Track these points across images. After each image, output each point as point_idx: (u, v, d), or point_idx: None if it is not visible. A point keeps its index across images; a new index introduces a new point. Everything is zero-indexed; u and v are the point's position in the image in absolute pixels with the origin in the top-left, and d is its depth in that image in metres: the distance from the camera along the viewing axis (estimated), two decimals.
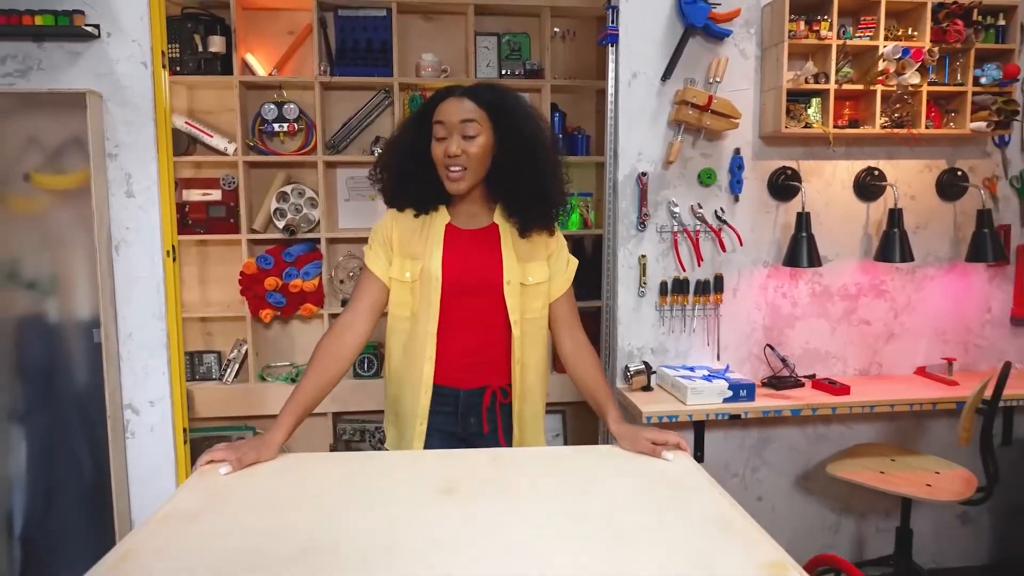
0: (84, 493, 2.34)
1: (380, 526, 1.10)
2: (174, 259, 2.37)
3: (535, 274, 1.59)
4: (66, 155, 2.27)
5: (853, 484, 2.30)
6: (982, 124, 2.41)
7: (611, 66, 2.46)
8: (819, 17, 2.35)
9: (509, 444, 1.63)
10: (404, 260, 1.58)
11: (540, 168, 1.53)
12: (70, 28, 2.14)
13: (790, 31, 2.32)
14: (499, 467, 1.35)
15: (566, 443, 3.63)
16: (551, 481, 1.26)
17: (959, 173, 2.59)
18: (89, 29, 2.17)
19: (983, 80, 2.42)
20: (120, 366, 2.32)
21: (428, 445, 1.58)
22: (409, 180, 1.57)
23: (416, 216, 1.60)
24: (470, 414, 1.60)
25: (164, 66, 2.31)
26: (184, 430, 2.41)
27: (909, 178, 2.60)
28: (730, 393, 2.30)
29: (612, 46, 2.45)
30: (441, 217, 1.60)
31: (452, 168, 1.50)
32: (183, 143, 3.14)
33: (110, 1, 2.20)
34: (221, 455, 1.35)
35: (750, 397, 2.32)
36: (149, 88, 2.26)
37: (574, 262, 1.69)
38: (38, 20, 2.12)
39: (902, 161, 2.58)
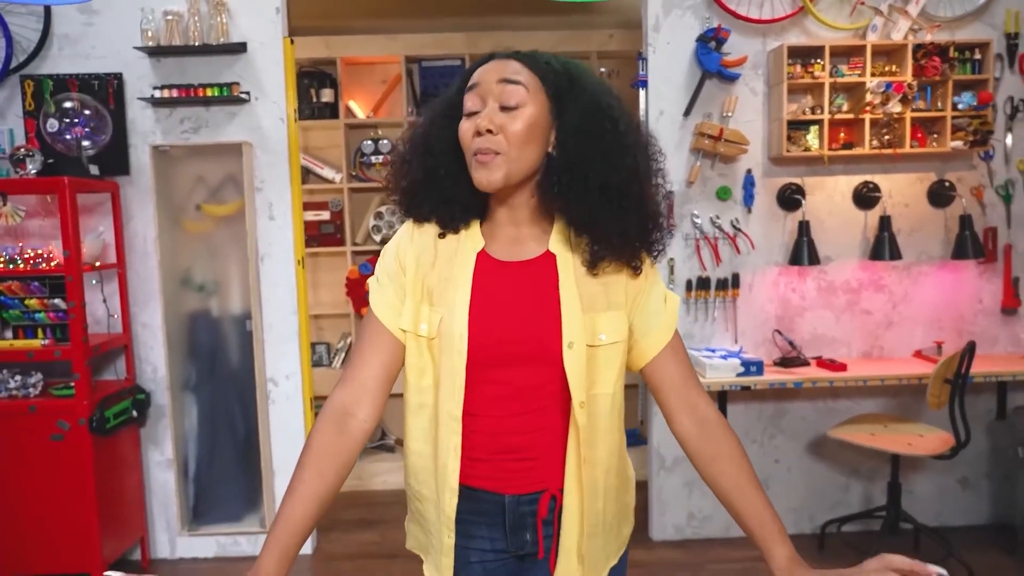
0: (238, 445, 3.08)
1: None
2: (303, 267, 3.08)
3: (609, 330, 1.08)
4: (225, 190, 3.03)
5: (852, 445, 2.77)
6: (960, 143, 2.85)
7: (642, 105, 3.03)
8: (814, 60, 2.85)
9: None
10: (420, 305, 1.09)
11: (624, 164, 1.02)
12: (230, 96, 2.88)
13: (788, 73, 2.83)
14: None
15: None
16: None
17: (947, 184, 3.02)
18: (243, 95, 2.91)
19: (960, 106, 2.86)
20: (264, 349, 3.04)
21: (463, 565, 1.12)
22: (430, 178, 1.08)
23: (441, 236, 1.11)
24: (523, 528, 1.11)
25: (295, 120, 3.03)
26: (311, 399, 3.11)
27: (902, 189, 3.05)
28: (742, 369, 2.82)
29: (643, 89, 3.02)
30: (472, 240, 1.10)
31: (481, 150, 1.02)
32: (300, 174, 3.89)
33: (258, 74, 2.94)
34: None
35: (759, 372, 2.83)
36: (284, 137, 2.98)
37: (673, 299, 1.16)
38: (208, 91, 2.87)
39: (895, 175, 3.03)
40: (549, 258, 1.10)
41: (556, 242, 1.10)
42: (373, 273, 1.17)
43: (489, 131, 1.02)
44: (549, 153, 1.07)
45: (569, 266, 1.09)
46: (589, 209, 1.04)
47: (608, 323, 1.08)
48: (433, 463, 1.11)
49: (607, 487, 1.13)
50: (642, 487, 3.26)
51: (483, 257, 1.10)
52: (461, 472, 1.09)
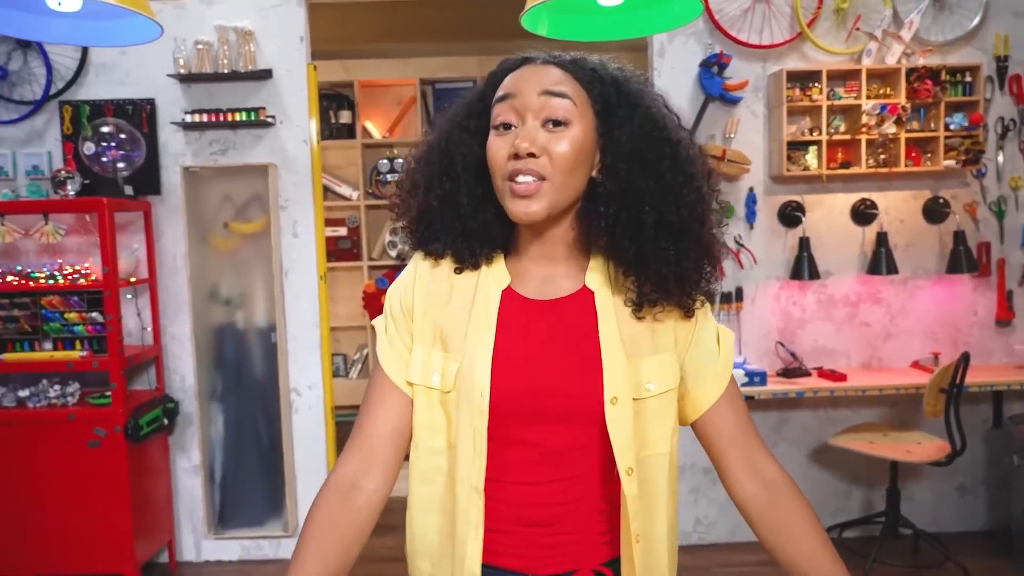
0: (262, 452, 3.21)
1: None
2: (325, 282, 3.23)
3: (657, 377, 0.93)
4: (251, 208, 3.18)
5: (852, 453, 2.88)
6: (952, 162, 2.99)
7: None
8: (812, 84, 2.99)
9: None
10: (432, 351, 0.94)
11: (686, 198, 0.89)
12: (256, 120, 3.04)
13: (788, 96, 2.97)
14: None
15: None
16: None
17: (941, 201, 3.15)
18: (268, 119, 3.06)
19: (952, 126, 2.99)
20: (288, 360, 3.18)
21: None
22: (447, 205, 0.94)
23: (458, 271, 0.96)
24: None
25: (318, 143, 3.18)
26: (332, 408, 3.25)
27: (898, 205, 3.17)
28: (746, 379, 2.94)
29: None
30: (496, 276, 0.95)
31: (521, 178, 0.87)
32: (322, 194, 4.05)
33: (283, 99, 3.10)
34: None
35: (762, 383, 2.95)
36: (308, 159, 3.13)
37: (728, 337, 1.00)
38: (235, 116, 3.03)
39: (891, 192, 3.16)
40: (586, 295, 0.94)
41: (593, 277, 0.94)
42: (387, 289, 1.01)
43: (531, 154, 0.86)
44: (592, 178, 0.92)
45: (609, 305, 0.93)
46: (642, 248, 0.89)
47: (655, 369, 0.92)
48: (449, 541, 0.94)
49: (667, 565, 0.95)
50: None
51: (509, 295, 0.94)
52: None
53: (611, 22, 1.52)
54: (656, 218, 0.89)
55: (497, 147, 0.89)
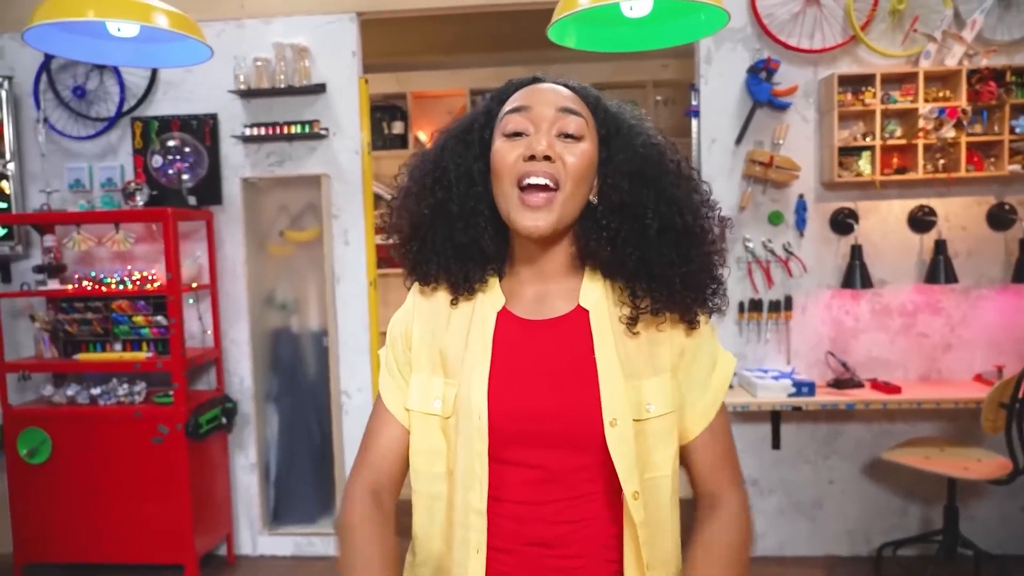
0: (314, 452, 3.33)
1: None
2: (375, 288, 3.32)
3: (658, 399, 0.91)
4: (305, 217, 3.31)
5: (907, 468, 2.78)
6: (1018, 166, 2.85)
7: (695, 133, 3.15)
8: (865, 87, 2.91)
9: None
10: (431, 376, 0.95)
11: (689, 203, 0.92)
12: (311, 132, 3.16)
13: (839, 101, 2.90)
14: None
15: None
16: None
17: (1007, 207, 3.00)
18: (322, 131, 3.18)
19: (1018, 129, 2.86)
20: (339, 363, 3.29)
21: None
22: (439, 216, 0.94)
23: (453, 302, 0.97)
24: None
25: (368, 153, 3.29)
26: None
27: (959, 212, 3.05)
28: (793, 389, 2.88)
29: (696, 118, 3.14)
30: (491, 299, 0.96)
31: (533, 179, 0.88)
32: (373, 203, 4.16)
33: (335, 112, 3.21)
34: None
35: (811, 393, 2.88)
36: (359, 169, 3.24)
37: (726, 363, 0.99)
38: (291, 129, 3.16)
39: (952, 198, 3.03)
40: (581, 314, 0.93)
41: (588, 296, 0.94)
42: (392, 318, 1.05)
43: (547, 157, 0.87)
44: (589, 201, 0.94)
45: (605, 324, 0.92)
46: (646, 254, 0.90)
47: (656, 390, 0.91)
48: (448, 570, 0.92)
49: None
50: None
51: (504, 316, 0.94)
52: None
53: (637, 33, 1.54)
54: (659, 224, 0.91)
55: (508, 150, 0.90)
